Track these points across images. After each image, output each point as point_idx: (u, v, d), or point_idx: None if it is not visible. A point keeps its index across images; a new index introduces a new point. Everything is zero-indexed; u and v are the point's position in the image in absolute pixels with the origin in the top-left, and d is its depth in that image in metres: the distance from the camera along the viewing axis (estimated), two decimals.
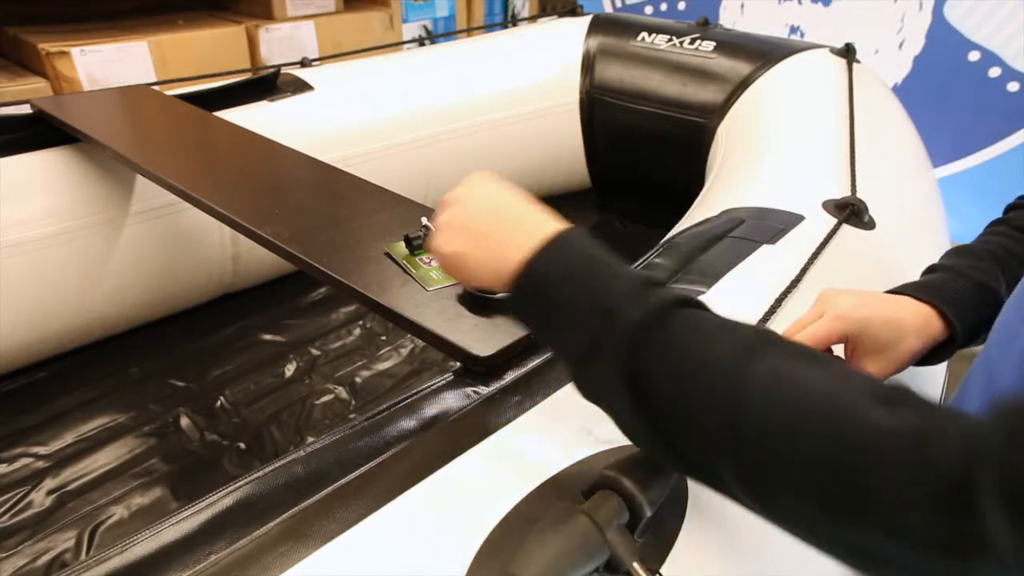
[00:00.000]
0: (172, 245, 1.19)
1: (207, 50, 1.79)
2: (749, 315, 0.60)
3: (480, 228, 0.44)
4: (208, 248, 1.23)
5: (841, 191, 0.89)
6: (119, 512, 0.93)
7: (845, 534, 0.31)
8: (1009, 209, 0.64)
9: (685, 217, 0.96)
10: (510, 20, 2.74)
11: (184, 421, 1.08)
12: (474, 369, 0.55)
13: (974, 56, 1.85)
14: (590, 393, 0.40)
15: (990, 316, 0.52)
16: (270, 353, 1.23)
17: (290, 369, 1.20)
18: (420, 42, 2.27)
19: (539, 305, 0.41)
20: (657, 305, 0.37)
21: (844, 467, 0.31)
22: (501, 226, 0.43)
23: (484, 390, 0.52)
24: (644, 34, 1.61)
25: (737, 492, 0.35)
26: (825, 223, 0.80)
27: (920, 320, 0.53)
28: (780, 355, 0.35)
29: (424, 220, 0.69)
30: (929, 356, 0.55)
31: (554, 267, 0.40)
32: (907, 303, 0.54)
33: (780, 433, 0.33)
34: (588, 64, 1.66)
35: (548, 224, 0.42)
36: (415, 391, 0.54)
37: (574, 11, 1.82)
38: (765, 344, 0.36)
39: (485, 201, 0.45)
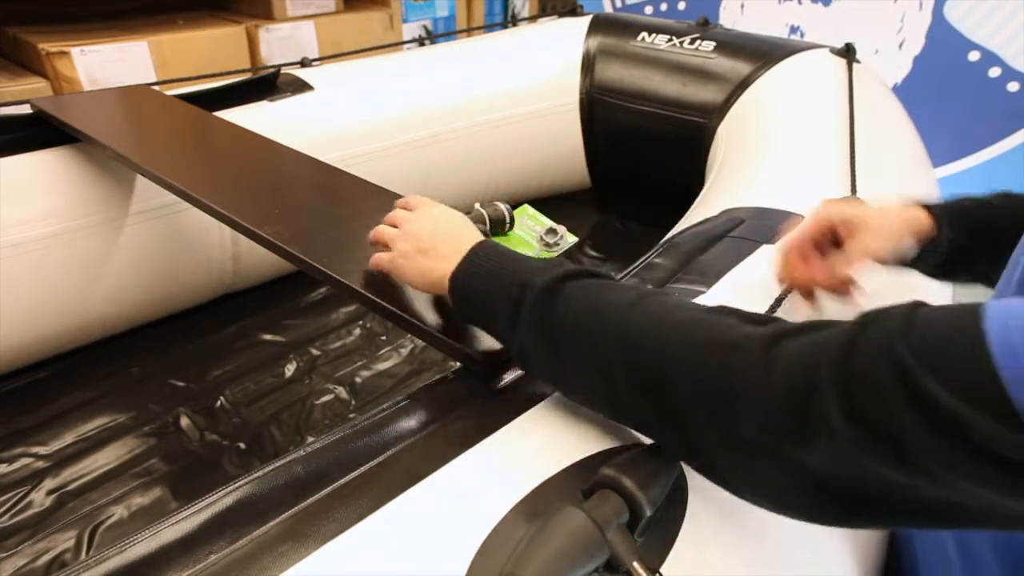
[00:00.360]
0: (172, 245, 1.19)
1: (207, 50, 1.79)
2: None
3: (423, 244, 0.54)
4: (208, 248, 1.23)
5: (841, 191, 0.89)
6: (119, 512, 0.93)
7: (718, 429, 0.37)
8: None
9: (685, 217, 0.96)
10: (510, 20, 2.74)
11: (184, 421, 1.08)
12: (474, 369, 0.55)
13: (974, 56, 1.85)
14: (519, 354, 0.47)
15: (987, 227, 0.54)
16: (270, 353, 1.23)
17: (290, 369, 1.20)
18: (420, 42, 2.27)
19: (472, 297, 0.50)
20: (562, 272, 0.46)
21: (715, 366, 0.37)
22: (439, 245, 0.53)
23: (484, 390, 0.52)
24: (644, 34, 1.61)
25: (630, 411, 0.42)
26: None
27: (908, 213, 0.55)
28: (663, 295, 0.44)
29: None
30: (921, 260, 0.56)
31: (479, 264, 0.50)
32: (894, 206, 0.57)
33: (663, 345, 0.40)
34: (588, 64, 1.66)
35: (472, 242, 0.52)
36: (415, 391, 0.54)
37: (574, 11, 1.82)
38: (651, 292, 0.44)
39: (430, 223, 0.56)
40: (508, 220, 0.70)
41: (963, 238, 0.55)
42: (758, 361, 0.36)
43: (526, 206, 0.75)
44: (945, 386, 0.29)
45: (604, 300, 0.44)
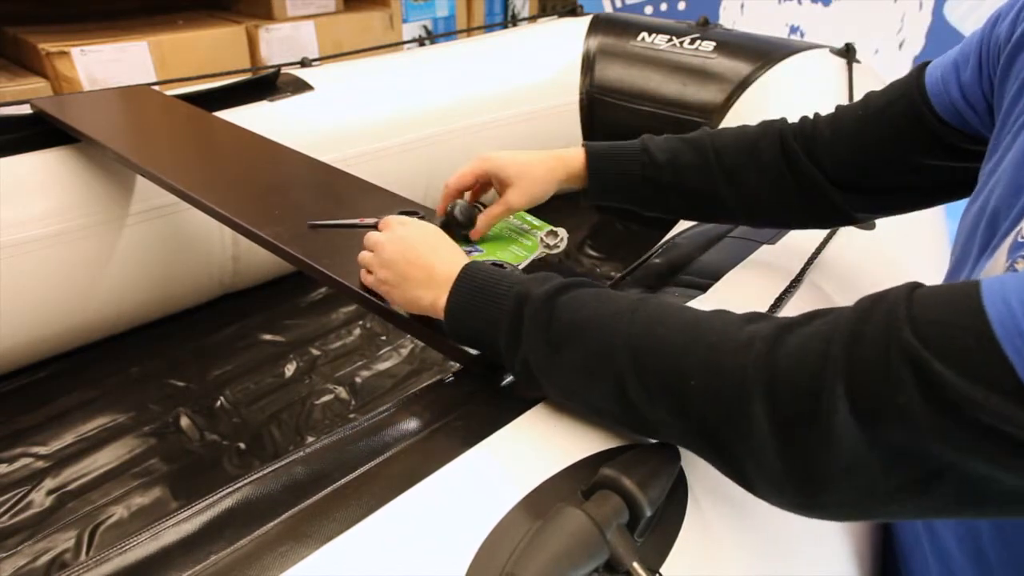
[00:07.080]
0: (172, 245, 1.19)
1: (207, 50, 1.79)
2: None
3: (400, 269, 0.54)
4: (208, 248, 1.23)
5: None
6: (119, 512, 0.93)
7: (735, 430, 0.37)
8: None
9: None
10: (510, 20, 2.74)
11: (184, 421, 1.08)
12: (473, 370, 0.55)
13: None
14: (523, 369, 0.46)
15: (641, 185, 0.68)
16: (270, 353, 1.23)
17: (290, 369, 1.20)
18: (420, 42, 2.28)
19: (468, 321, 0.49)
20: (560, 283, 0.46)
21: (726, 368, 0.37)
22: (417, 271, 0.53)
23: (483, 390, 0.52)
24: (644, 34, 1.61)
25: (644, 417, 0.41)
26: None
27: (551, 164, 0.66)
28: (660, 302, 0.44)
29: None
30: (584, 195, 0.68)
31: (469, 287, 0.49)
32: (543, 159, 0.67)
33: (672, 349, 0.40)
34: (588, 64, 1.66)
35: (453, 268, 0.51)
36: (415, 392, 0.54)
37: (574, 11, 1.82)
38: (649, 298, 0.44)
39: (401, 245, 0.55)
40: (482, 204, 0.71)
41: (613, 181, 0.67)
42: (766, 360, 0.35)
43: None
44: (954, 369, 0.29)
45: (606, 309, 0.43)
